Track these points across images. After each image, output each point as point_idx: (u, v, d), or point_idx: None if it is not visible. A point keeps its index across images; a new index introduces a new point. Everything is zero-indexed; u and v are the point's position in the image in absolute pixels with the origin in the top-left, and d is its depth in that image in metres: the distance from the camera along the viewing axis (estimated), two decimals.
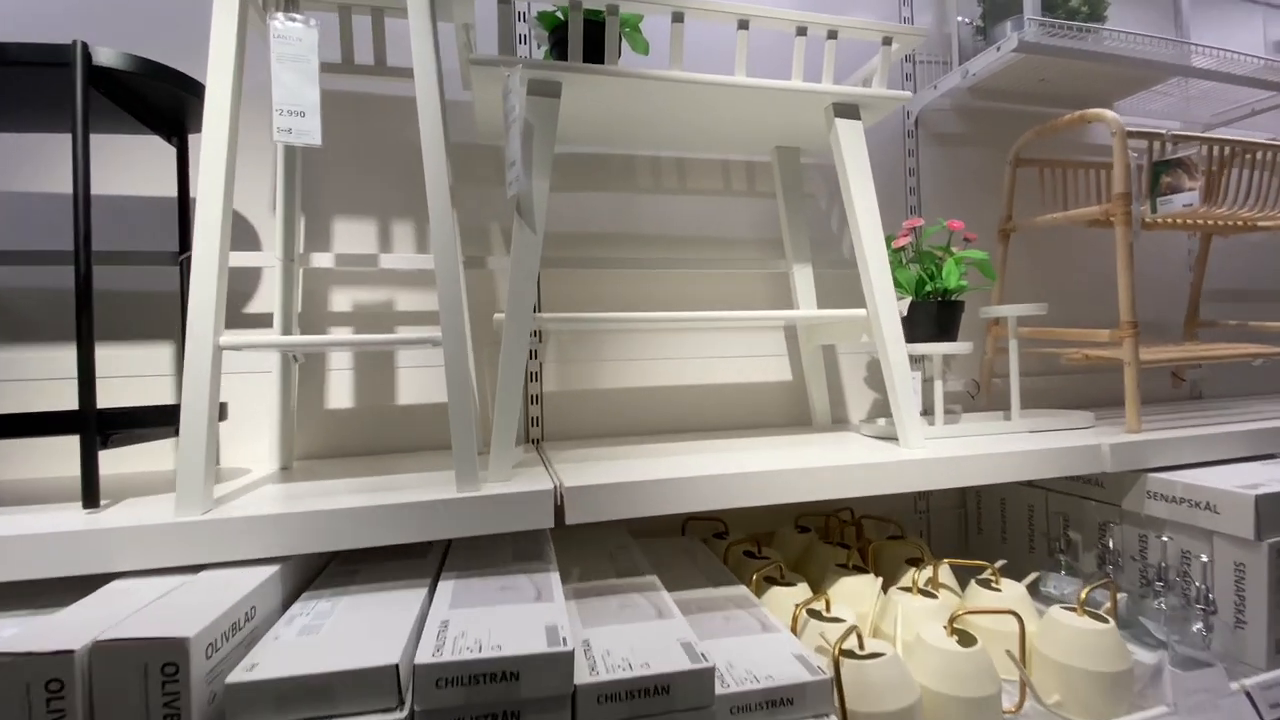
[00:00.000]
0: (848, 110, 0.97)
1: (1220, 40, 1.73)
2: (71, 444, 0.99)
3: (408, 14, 0.76)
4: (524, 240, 0.84)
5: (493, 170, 1.16)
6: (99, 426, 0.72)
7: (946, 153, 1.43)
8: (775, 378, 1.30)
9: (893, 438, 1.05)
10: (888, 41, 0.96)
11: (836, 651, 0.68)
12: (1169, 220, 1.13)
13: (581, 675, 0.58)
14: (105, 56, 0.74)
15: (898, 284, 1.13)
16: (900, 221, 1.38)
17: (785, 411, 1.29)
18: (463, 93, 1.13)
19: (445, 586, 0.71)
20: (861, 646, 0.72)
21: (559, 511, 0.75)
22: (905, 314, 1.13)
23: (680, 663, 0.60)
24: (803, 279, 1.19)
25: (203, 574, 0.66)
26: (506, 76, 0.79)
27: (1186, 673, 0.81)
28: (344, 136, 1.10)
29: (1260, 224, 1.22)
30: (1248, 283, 1.71)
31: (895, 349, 0.95)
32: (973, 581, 0.95)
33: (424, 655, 0.55)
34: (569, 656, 0.56)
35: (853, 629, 0.71)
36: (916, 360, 1.33)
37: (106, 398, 1.00)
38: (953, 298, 1.11)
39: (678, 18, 0.87)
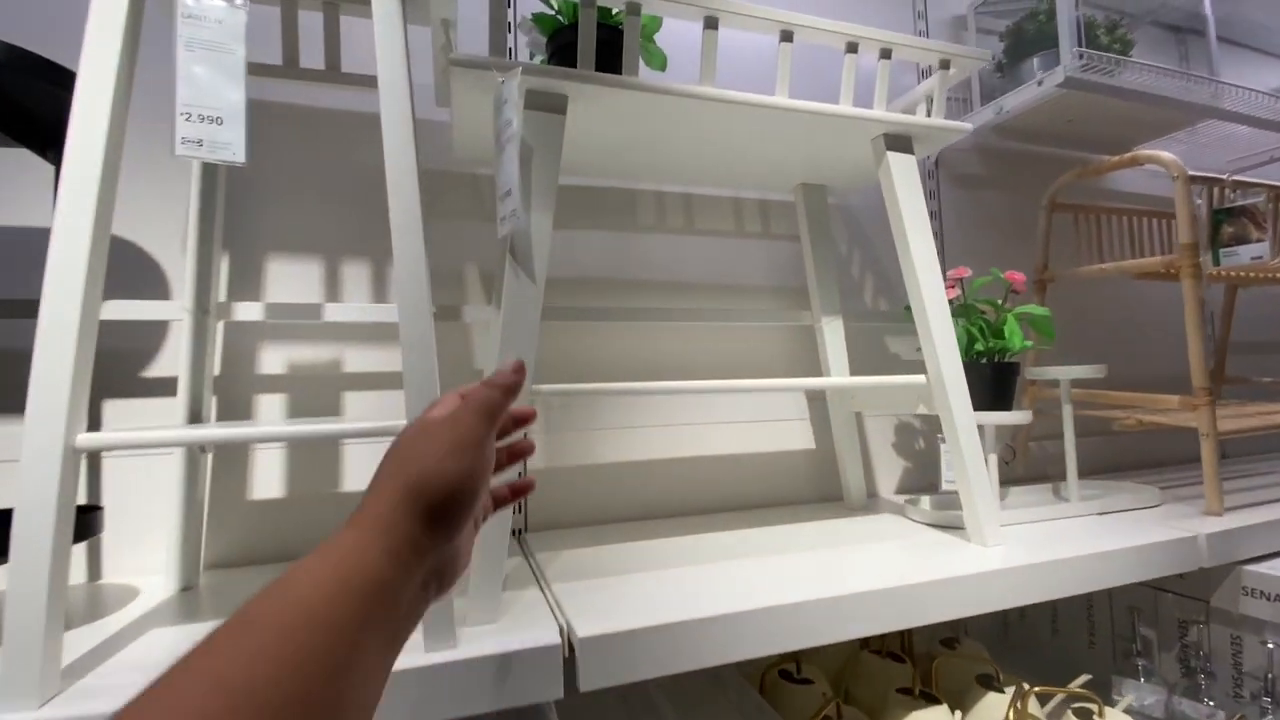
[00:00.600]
0: (900, 143, 0.82)
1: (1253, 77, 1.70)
2: None
3: (370, 5, 0.57)
4: (520, 290, 0.64)
5: (471, 202, 0.97)
6: None
7: (969, 195, 1.31)
8: (798, 446, 1.12)
9: (955, 526, 0.88)
10: (945, 65, 0.82)
11: None
12: (1234, 274, 1.02)
13: None
14: None
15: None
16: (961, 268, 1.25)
17: (809, 484, 1.11)
18: (435, 110, 0.94)
19: None
20: None
21: (569, 671, 0.54)
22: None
23: None
24: (832, 334, 1.03)
25: None
26: (500, 83, 0.60)
27: None
28: (283, 157, 0.89)
29: None
30: (1275, 334, 1.64)
31: (965, 423, 0.79)
32: (1069, 712, 0.77)
33: None
34: None
35: None
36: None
37: None
38: (1009, 358, 0.96)
39: (711, 24, 0.70)
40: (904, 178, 0.81)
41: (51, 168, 0.78)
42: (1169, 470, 1.34)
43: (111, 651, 0.54)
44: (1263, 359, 1.61)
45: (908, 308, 0.89)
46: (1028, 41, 1.23)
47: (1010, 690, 0.80)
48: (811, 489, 1.11)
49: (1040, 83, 1.08)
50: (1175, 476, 1.27)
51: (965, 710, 0.81)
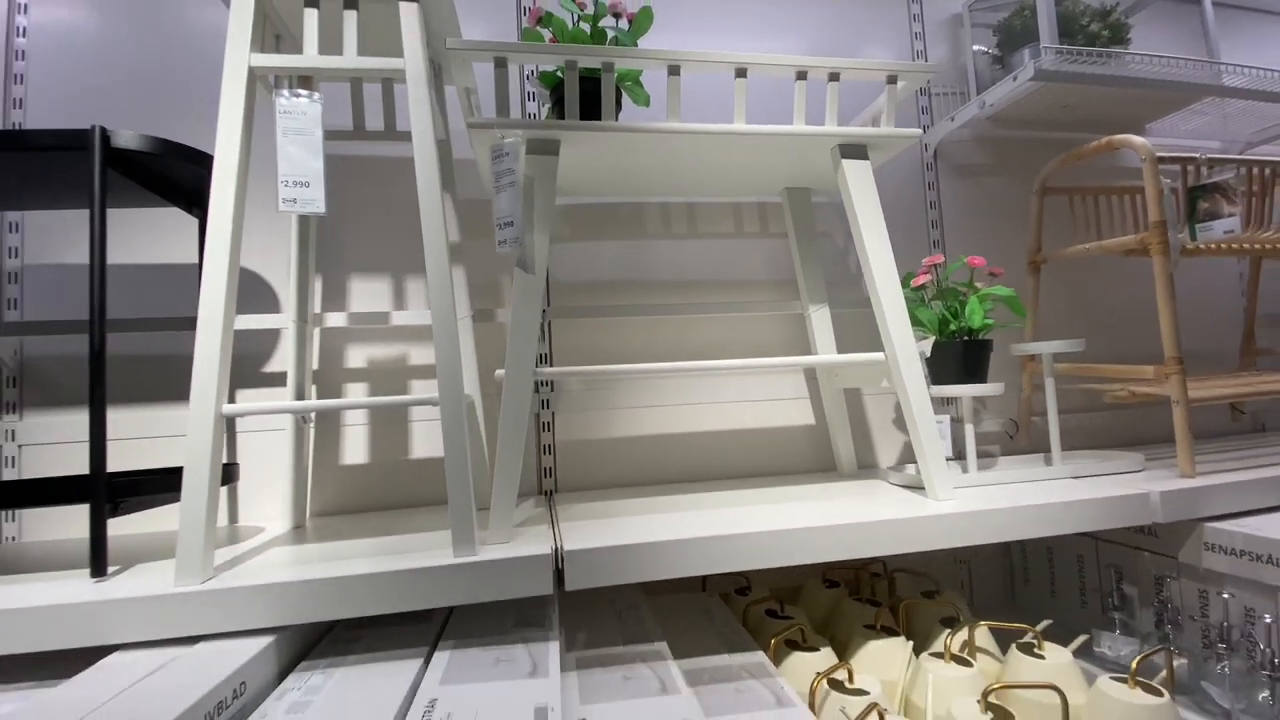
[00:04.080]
0: (855, 151, 0.94)
1: (1258, 56, 1.65)
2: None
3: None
4: (524, 295, 0.83)
5: None
6: (109, 494, 0.73)
7: (969, 184, 1.38)
8: (797, 421, 1.25)
9: (922, 487, 0.99)
10: (893, 80, 0.94)
11: (816, 704, 0.63)
12: (1210, 247, 1.06)
13: None
14: (124, 139, 0.78)
15: (919, 323, 1.08)
16: (922, 258, 1.34)
17: (809, 456, 1.24)
18: (471, 151, 1.16)
19: (440, 658, 0.69)
20: None
21: (559, 575, 0.73)
22: (928, 355, 1.08)
23: None
24: (820, 320, 1.16)
25: (199, 645, 0.66)
26: (501, 137, 0.80)
27: None
28: (357, 198, 1.13)
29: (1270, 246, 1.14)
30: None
31: (917, 394, 0.91)
32: (1013, 647, 0.87)
33: None
34: None
35: (873, 707, 0.65)
36: (946, 403, 1.27)
37: (128, 459, 1.03)
38: (979, 336, 1.06)
39: (674, 70, 0.87)
40: (858, 181, 0.94)
41: (195, 220, 1.05)
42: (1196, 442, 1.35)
43: (246, 559, 0.77)
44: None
45: (915, 287, 1.01)
46: (1017, 35, 1.30)
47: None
48: (809, 460, 1.24)
49: (1015, 78, 1.16)
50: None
51: (926, 643, 0.93)
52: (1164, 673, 0.79)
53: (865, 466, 1.25)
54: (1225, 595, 0.89)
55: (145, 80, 1.09)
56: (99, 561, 0.72)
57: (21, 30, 1.08)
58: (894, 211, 1.34)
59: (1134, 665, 0.75)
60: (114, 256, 1.06)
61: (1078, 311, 1.41)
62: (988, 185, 1.39)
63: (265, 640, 0.66)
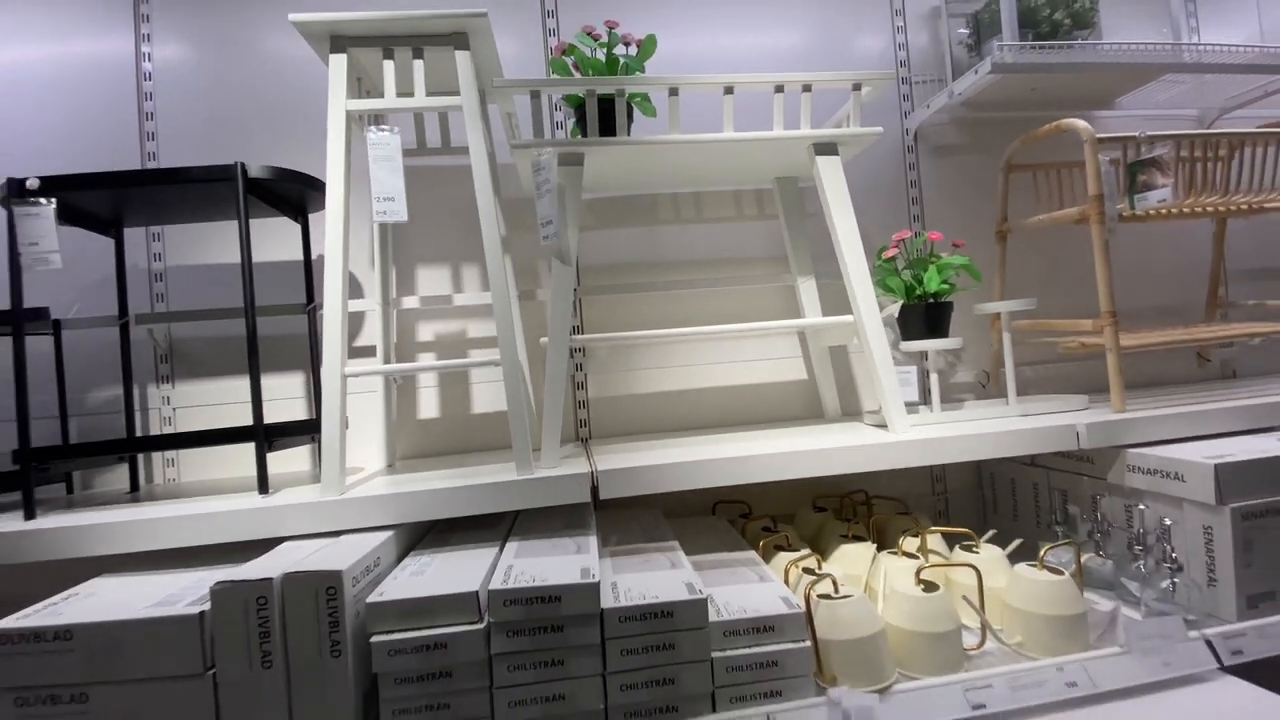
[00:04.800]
0: (826, 148, 1.14)
1: (1241, 18, 1.75)
2: (238, 452, 1.30)
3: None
4: (560, 279, 1.07)
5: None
6: (266, 436, 1.01)
7: (947, 163, 1.55)
8: (791, 377, 1.47)
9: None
10: (857, 87, 1.13)
11: (807, 592, 0.86)
12: (1148, 213, 1.22)
13: (607, 602, 0.80)
14: (255, 170, 1.03)
15: (891, 290, 1.28)
16: (905, 231, 1.52)
17: (801, 406, 1.46)
18: (511, 156, 1.38)
19: (511, 546, 0.95)
20: (837, 591, 0.89)
21: (594, 489, 0.97)
22: (897, 316, 1.28)
23: (681, 595, 0.81)
24: (807, 290, 1.36)
25: (343, 537, 0.93)
26: (537, 155, 1.02)
27: (1144, 620, 0.93)
28: (420, 202, 1.37)
29: (1230, 208, 1.29)
30: (1271, 261, 1.71)
31: (879, 349, 1.11)
32: (957, 546, 1.09)
33: (495, 584, 0.78)
34: (595, 586, 0.78)
35: (826, 576, 0.89)
36: (913, 356, 1.47)
37: (245, 415, 1.31)
38: (942, 299, 1.25)
39: (673, 91, 1.07)
40: (830, 173, 1.14)
41: (298, 226, 1.31)
42: (1160, 388, 1.51)
43: (363, 483, 1.04)
44: (1266, 284, 1.69)
45: (885, 259, 1.22)
46: (987, 26, 1.45)
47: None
48: (801, 410, 1.46)
49: (976, 71, 1.32)
50: (1156, 391, 1.46)
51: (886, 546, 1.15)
52: (1074, 565, 1.00)
53: (849, 413, 1.46)
54: (1141, 507, 1.09)
55: (244, 107, 1.34)
56: (263, 483, 1.00)
57: (148, 75, 1.34)
58: (878, 189, 1.52)
59: (1042, 553, 0.96)
60: (233, 255, 1.33)
61: (1045, 275, 1.58)
62: (964, 163, 1.55)
63: (387, 534, 0.93)
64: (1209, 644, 0.92)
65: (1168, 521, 1.03)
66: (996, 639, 0.93)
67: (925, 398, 1.47)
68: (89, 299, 1.30)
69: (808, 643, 0.82)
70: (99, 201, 1.09)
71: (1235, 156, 1.42)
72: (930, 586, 0.91)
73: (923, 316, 1.24)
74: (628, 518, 1.24)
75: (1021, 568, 0.96)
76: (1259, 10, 1.71)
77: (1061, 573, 0.94)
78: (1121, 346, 1.18)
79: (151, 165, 1.32)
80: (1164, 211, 1.27)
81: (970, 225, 1.54)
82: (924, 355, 1.50)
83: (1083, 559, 1.16)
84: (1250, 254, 1.71)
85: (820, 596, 0.88)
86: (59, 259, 1.00)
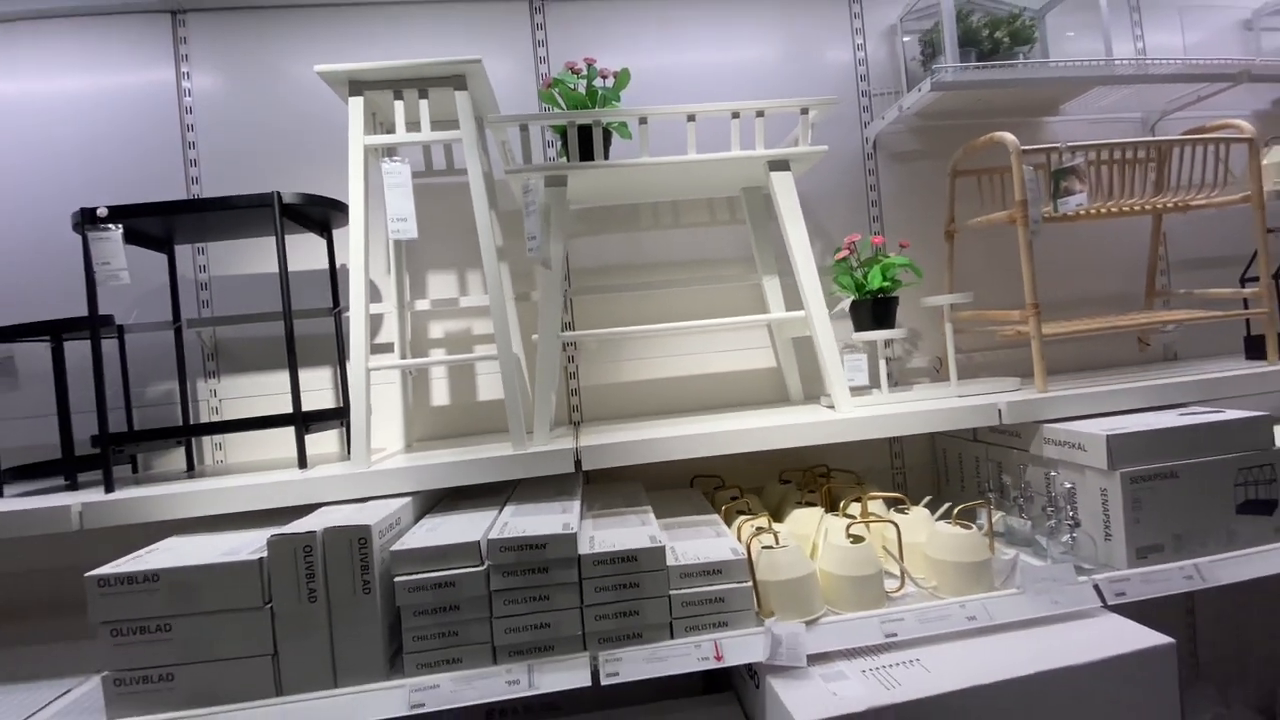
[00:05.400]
0: (779, 165, 1.30)
1: (1191, 26, 1.87)
2: (275, 437, 1.50)
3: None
4: (547, 284, 1.25)
5: None
6: (304, 421, 1.20)
7: (904, 169, 1.71)
8: (762, 365, 1.64)
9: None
10: (805, 111, 1.29)
11: (748, 542, 1.04)
12: (1069, 215, 1.37)
13: (584, 549, 0.98)
14: (289, 198, 1.22)
15: (844, 287, 1.44)
16: (864, 233, 1.68)
17: (772, 391, 1.63)
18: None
19: (508, 509, 1.14)
20: (777, 543, 1.07)
21: (577, 461, 1.15)
22: (847, 310, 1.45)
23: (644, 544, 0.99)
24: (771, 287, 1.53)
25: (369, 502, 1.12)
26: (526, 179, 1.20)
27: (1039, 566, 1.10)
28: (432, 216, 1.55)
29: (1137, 209, 1.43)
30: (1215, 250, 1.84)
31: (824, 339, 1.28)
32: (891, 509, 1.26)
33: (493, 535, 0.97)
34: (573, 536, 0.97)
35: (765, 530, 1.07)
36: (865, 345, 1.64)
37: (282, 404, 1.51)
38: (888, 294, 1.41)
39: (643, 120, 1.24)
40: (783, 187, 1.30)
41: (324, 240, 1.50)
42: (1099, 370, 1.66)
43: (386, 459, 1.23)
44: (1203, 272, 1.82)
45: (838, 260, 1.39)
46: (936, 45, 1.59)
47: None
48: (770, 394, 1.63)
49: (920, 89, 1.47)
50: (1093, 373, 1.61)
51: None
52: (987, 521, 1.17)
53: (811, 397, 1.62)
54: (1052, 474, 1.25)
55: (276, 131, 1.53)
56: (302, 459, 1.19)
57: (189, 108, 1.53)
58: (841, 193, 1.68)
59: (955, 511, 1.13)
60: (271, 267, 1.52)
61: (990, 269, 1.72)
62: (919, 169, 1.71)
63: (406, 500, 1.12)
64: (1096, 588, 1.09)
65: (1067, 485, 1.20)
66: (914, 583, 1.10)
67: (878, 381, 1.63)
68: (145, 307, 1.50)
69: (749, 583, 1.01)
70: (155, 225, 1.29)
71: (1167, 159, 1.57)
72: (857, 539, 1.09)
73: (870, 310, 1.41)
74: (612, 489, 1.42)
75: (938, 524, 1.14)
76: (1182, 27, 1.83)
77: (970, 528, 1.11)
78: (1044, 335, 1.34)
79: (195, 189, 1.52)
80: (1090, 212, 1.42)
81: (925, 225, 1.70)
82: (890, 344, 1.67)
83: (1009, 520, 1.33)
84: (1194, 245, 1.84)
85: (763, 547, 1.06)
86: (127, 275, 1.20)
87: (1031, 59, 1.61)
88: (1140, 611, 1.07)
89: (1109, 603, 1.08)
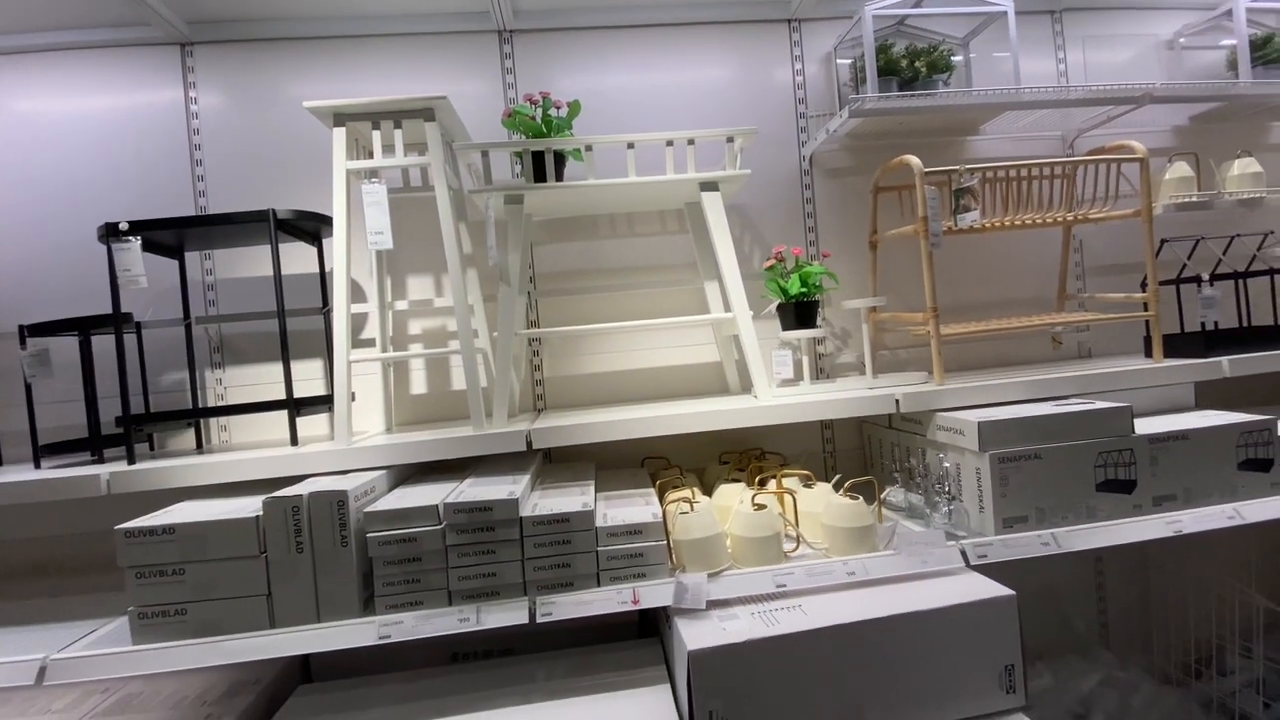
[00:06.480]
0: (710, 186, 1.50)
1: (1120, 45, 2.05)
2: (273, 421, 1.71)
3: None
4: (504, 288, 1.44)
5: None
6: (296, 406, 1.41)
7: (837, 183, 1.89)
8: (708, 360, 1.84)
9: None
10: (731, 139, 1.48)
11: (666, 506, 1.24)
12: (966, 229, 1.55)
13: (526, 512, 1.19)
14: (283, 214, 1.42)
15: (772, 292, 1.63)
16: (800, 242, 1.87)
17: (712, 383, 1.83)
18: None
19: (467, 481, 1.34)
20: (692, 509, 1.27)
21: (529, 441, 1.35)
22: (774, 313, 1.64)
23: (577, 509, 1.19)
24: (712, 290, 1.73)
25: (350, 474, 1.32)
26: (486, 199, 1.39)
27: (916, 531, 1.30)
28: (410, 226, 1.75)
29: (1039, 221, 1.62)
30: (1131, 257, 2.02)
31: (748, 338, 1.48)
32: (801, 484, 1.46)
33: (449, 499, 1.17)
34: (515, 501, 1.17)
35: (683, 498, 1.27)
36: (789, 344, 1.83)
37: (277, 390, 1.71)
38: (808, 298, 1.60)
39: (589, 148, 1.44)
40: (713, 206, 1.49)
41: (314, 249, 1.70)
42: (1012, 367, 1.85)
43: (366, 439, 1.44)
44: (1117, 278, 2.01)
45: (768, 268, 1.57)
46: (863, 73, 1.77)
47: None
48: (712, 386, 1.83)
49: (842, 115, 1.65)
50: (1004, 369, 1.80)
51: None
52: (882, 494, 1.36)
53: (747, 389, 1.82)
54: (940, 456, 1.45)
55: (273, 148, 1.73)
56: (294, 438, 1.40)
57: (196, 130, 1.73)
58: (779, 206, 1.87)
59: (845, 485, 1.33)
60: (269, 271, 1.72)
61: (911, 276, 1.90)
62: (852, 184, 1.89)
63: (380, 472, 1.33)
64: (962, 551, 1.28)
65: (946, 464, 1.39)
66: (808, 545, 1.30)
67: (801, 374, 1.83)
68: (160, 306, 1.71)
69: (664, 542, 1.21)
70: (168, 236, 1.49)
71: (1073, 176, 1.75)
72: (760, 507, 1.29)
73: (794, 312, 1.60)
74: (565, 468, 1.63)
75: (834, 496, 1.33)
76: (1065, 50, 2.01)
77: (858, 499, 1.31)
78: (941, 335, 1.52)
79: (202, 202, 1.72)
80: (994, 225, 1.60)
81: (855, 236, 1.89)
82: (821, 343, 1.86)
83: (909, 495, 1.53)
84: (1111, 252, 2.02)
85: (680, 513, 1.26)
86: (145, 280, 1.40)
87: (951, 85, 1.79)
88: (1048, 587, 1.26)
89: (972, 563, 1.28)
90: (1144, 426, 1.42)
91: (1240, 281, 1.77)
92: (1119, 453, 1.39)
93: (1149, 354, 1.69)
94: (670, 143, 1.46)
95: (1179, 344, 1.68)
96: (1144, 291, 1.65)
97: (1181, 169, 1.88)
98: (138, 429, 1.43)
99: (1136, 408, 1.42)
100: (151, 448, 1.65)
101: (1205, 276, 1.72)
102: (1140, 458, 1.38)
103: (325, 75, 1.74)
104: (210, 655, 1.12)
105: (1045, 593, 1.89)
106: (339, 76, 1.75)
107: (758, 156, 1.83)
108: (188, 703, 1.33)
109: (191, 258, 1.71)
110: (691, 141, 1.46)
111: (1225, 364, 1.55)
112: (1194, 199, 1.83)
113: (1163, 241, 1.79)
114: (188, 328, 1.65)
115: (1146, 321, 1.65)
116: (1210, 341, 1.62)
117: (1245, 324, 1.79)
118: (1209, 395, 1.66)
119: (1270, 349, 1.62)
